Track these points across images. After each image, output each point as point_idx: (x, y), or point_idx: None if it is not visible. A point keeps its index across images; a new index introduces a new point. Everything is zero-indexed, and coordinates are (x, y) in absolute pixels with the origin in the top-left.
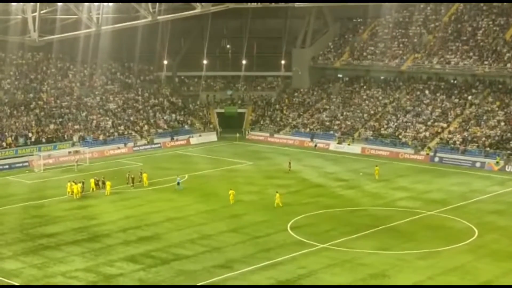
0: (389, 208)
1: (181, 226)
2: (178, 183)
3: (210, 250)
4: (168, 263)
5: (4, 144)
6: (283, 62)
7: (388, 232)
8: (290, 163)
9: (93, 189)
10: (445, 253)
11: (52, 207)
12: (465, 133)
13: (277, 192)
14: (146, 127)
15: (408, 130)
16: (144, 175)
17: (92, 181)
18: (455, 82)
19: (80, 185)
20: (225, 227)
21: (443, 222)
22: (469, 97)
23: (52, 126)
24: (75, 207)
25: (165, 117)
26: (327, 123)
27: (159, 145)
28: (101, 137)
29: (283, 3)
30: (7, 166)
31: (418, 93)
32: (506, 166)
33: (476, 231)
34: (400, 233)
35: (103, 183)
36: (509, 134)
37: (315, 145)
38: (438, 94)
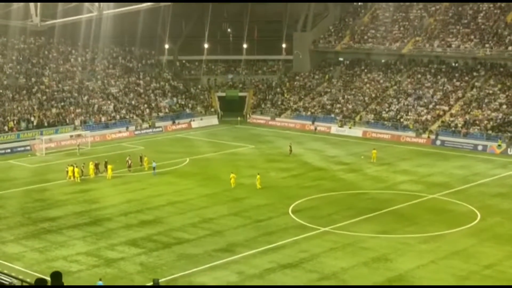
0: (391, 192)
1: (183, 209)
2: (154, 168)
3: (212, 234)
4: (170, 247)
5: (6, 128)
6: (284, 45)
7: (390, 216)
8: (291, 147)
9: (91, 173)
10: (447, 237)
11: (54, 191)
12: (467, 116)
13: (258, 174)
14: (147, 110)
15: (409, 113)
16: (145, 159)
17: (91, 165)
18: (456, 65)
19: (78, 169)
20: (227, 211)
21: (445, 205)
22: (471, 80)
23: (54, 110)
24: (76, 191)
25: (165, 101)
26: (328, 107)
27: (160, 128)
28: (102, 120)
29: None
30: (9, 150)
31: (419, 76)
32: (508, 149)
33: (479, 214)
34: (402, 217)
35: (105, 166)
36: (511, 117)
37: (316, 129)
38: (439, 77)
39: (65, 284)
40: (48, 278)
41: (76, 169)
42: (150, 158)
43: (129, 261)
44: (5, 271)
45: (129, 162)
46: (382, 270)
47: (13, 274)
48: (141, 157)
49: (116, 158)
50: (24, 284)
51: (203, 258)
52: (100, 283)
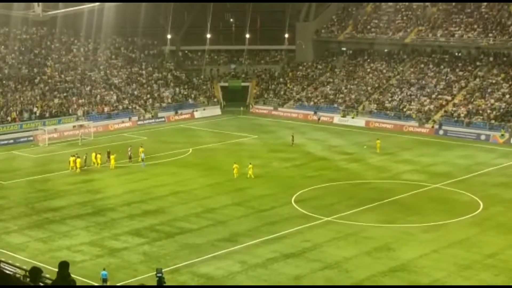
0: (394, 181)
1: (186, 199)
2: (143, 160)
3: (215, 224)
4: (173, 236)
5: (9, 119)
6: (286, 35)
7: (392, 205)
8: (293, 137)
9: (94, 163)
10: (450, 226)
11: (56, 181)
12: (470, 106)
13: (250, 163)
14: (150, 101)
15: (412, 103)
16: (141, 150)
17: (93, 155)
18: (460, 54)
19: (80, 159)
20: (230, 201)
21: (448, 195)
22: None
23: (56, 101)
24: (79, 181)
25: (168, 91)
26: (331, 97)
27: (163, 119)
28: (105, 111)
29: None
30: (12, 141)
31: (422, 66)
32: (511, 139)
33: (481, 204)
34: (405, 206)
35: (108, 156)
36: None
37: (319, 119)
38: (442, 67)
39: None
40: (43, 268)
41: (78, 160)
42: (152, 149)
43: (132, 251)
44: (9, 261)
45: (130, 153)
46: (384, 260)
47: (17, 264)
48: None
49: (118, 148)
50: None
51: (206, 247)
52: (104, 273)
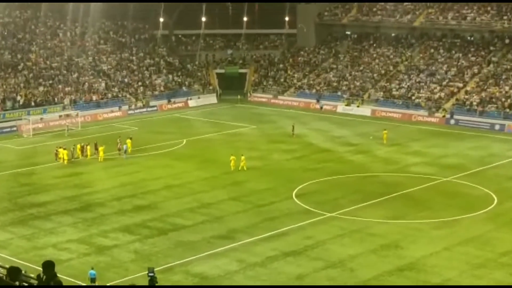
0: (402, 174)
1: (180, 194)
2: (125, 151)
3: (211, 220)
4: (166, 233)
5: None
6: (287, 18)
7: (401, 200)
8: (293, 127)
9: (78, 155)
10: (462, 222)
11: (42, 174)
12: (483, 94)
13: (242, 155)
14: (141, 89)
15: (421, 91)
16: (128, 141)
17: (78, 146)
18: (472, 39)
19: (67, 151)
20: (226, 195)
21: (460, 188)
22: (487, 55)
23: (41, 89)
24: (66, 175)
25: (161, 78)
26: (335, 84)
27: (155, 108)
28: (93, 99)
29: None
30: None
31: (432, 51)
32: None
33: (495, 198)
34: (414, 201)
35: (96, 147)
36: None
37: (321, 107)
38: (453, 52)
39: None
40: (22, 268)
41: (64, 151)
42: (144, 140)
43: (123, 249)
44: None
45: (119, 144)
46: (392, 258)
47: None
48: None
49: (108, 139)
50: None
51: (201, 245)
52: (92, 272)
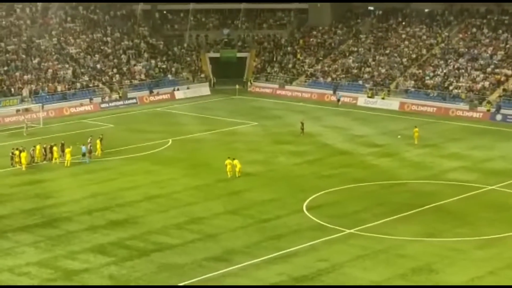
0: (437, 182)
1: (164, 206)
2: (84, 154)
3: (202, 238)
4: (148, 255)
5: None
6: None
7: (435, 214)
8: (303, 124)
9: (39, 159)
10: (510, 241)
11: None
12: None
13: (234, 159)
14: (117, 77)
15: (461, 80)
16: (98, 141)
17: (38, 148)
18: None
19: (26, 153)
20: (222, 208)
21: (507, 199)
22: None
23: None
24: (25, 182)
25: (141, 64)
26: (355, 71)
27: (134, 100)
28: (59, 90)
29: None
30: None
31: (475, 30)
32: None
33: None
34: (452, 215)
35: (62, 149)
36: None
37: (339, 100)
38: (500, 32)
39: None
40: None
41: (23, 154)
42: (120, 140)
43: (95, 274)
44: None
45: (90, 146)
46: (424, 284)
47: None
48: (100, 138)
49: (76, 139)
50: None
51: (191, 269)
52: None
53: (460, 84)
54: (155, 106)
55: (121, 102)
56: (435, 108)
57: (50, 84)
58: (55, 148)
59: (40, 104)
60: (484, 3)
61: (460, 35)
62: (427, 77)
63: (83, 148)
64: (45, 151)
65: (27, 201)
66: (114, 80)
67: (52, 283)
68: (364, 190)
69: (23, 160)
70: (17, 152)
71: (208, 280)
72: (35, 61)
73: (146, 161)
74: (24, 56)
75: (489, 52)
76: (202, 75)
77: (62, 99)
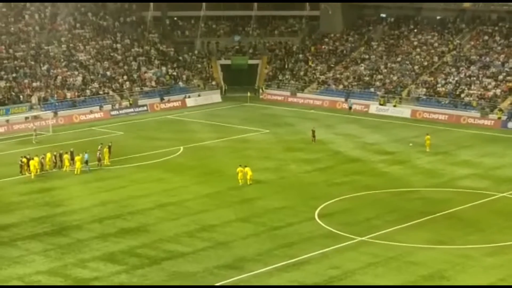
0: (448, 189)
1: (176, 214)
2: (86, 162)
3: (214, 246)
4: (159, 263)
5: None
6: None
7: (446, 221)
8: (314, 132)
9: (49, 167)
10: None
11: (4, 190)
12: None
13: (245, 166)
14: (127, 84)
15: (472, 87)
16: (105, 151)
17: (48, 155)
18: None
19: (37, 160)
20: (233, 216)
21: None
22: None
23: (3, 84)
24: (35, 190)
25: (152, 71)
26: (366, 78)
27: (145, 107)
28: (68, 97)
29: None
30: None
31: (486, 38)
32: None
33: None
34: (463, 222)
35: (72, 157)
36: None
37: (350, 107)
38: None
39: None
40: None
41: (31, 162)
42: (131, 148)
43: (106, 282)
44: None
45: (99, 153)
46: None
47: None
48: (109, 146)
49: (86, 147)
50: None
51: (203, 277)
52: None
53: (471, 91)
54: (166, 114)
55: (131, 110)
56: (446, 116)
57: (59, 91)
58: (65, 156)
59: (53, 111)
60: (496, 10)
61: (472, 43)
62: (439, 85)
63: (86, 155)
64: (55, 158)
65: (36, 209)
66: (124, 87)
67: None
68: (376, 197)
69: (31, 168)
70: (25, 160)
71: None
72: (44, 68)
73: (157, 168)
74: (33, 63)
75: (501, 59)
76: (213, 82)
77: (71, 107)
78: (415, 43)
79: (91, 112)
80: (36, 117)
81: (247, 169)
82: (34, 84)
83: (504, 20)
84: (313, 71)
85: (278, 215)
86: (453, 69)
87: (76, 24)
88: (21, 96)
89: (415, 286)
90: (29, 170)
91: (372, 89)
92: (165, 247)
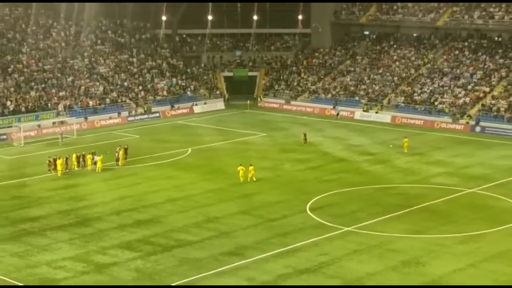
0: (424, 186)
1: (184, 207)
2: (95, 163)
3: (218, 235)
4: (170, 250)
5: None
6: (300, 17)
7: (422, 213)
8: (305, 135)
9: (74, 166)
10: (488, 237)
11: (34, 186)
12: (511, 99)
13: (251, 165)
14: (142, 93)
15: (445, 96)
16: (121, 152)
17: (74, 156)
18: (500, 39)
19: (62, 160)
20: (235, 209)
21: (485, 201)
22: None
23: (33, 93)
24: (61, 187)
25: (163, 82)
26: (352, 88)
27: (157, 114)
28: (90, 105)
29: None
30: None
31: (457, 52)
32: None
33: None
34: (436, 214)
35: (93, 158)
36: None
37: (338, 114)
38: (480, 54)
39: None
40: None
41: (58, 161)
42: (145, 149)
43: (123, 267)
44: None
45: (117, 154)
46: (413, 275)
47: None
48: (119, 149)
49: (106, 148)
50: None
51: (208, 262)
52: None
53: (444, 100)
54: (176, 119)
55: (146, 116)
56: (422, 121)
57: (82, 100)
58: (88, 156)
59: (74, 118)
60: (465, 28)
61: (444, 57)
62: (415, 94)
63: (95, 157)
64: (79, 159)
65: (63, 203)
66: (139, 96)
67: (85, 276)
68: (360, 193)
69: (58, 167)
70: (51, 160)
71: (223, 272)
72: (69, 79)
73: (168, 167)
74: (59, 75)
75: (470, 71)
76: (218, 92)
77: (93, 113)
78: (395, 57)
79: (110, 118)
80: (62, 122)
81: (251, 167)
82: (61, 94)
83: (472, 37)
84: (305, 82)
85: (274, 208)
86: (428, 80)
87: (97, 41)
88: (49, 104)
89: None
90: (56, 168)
91: (356, 98)
92: (175, 236)
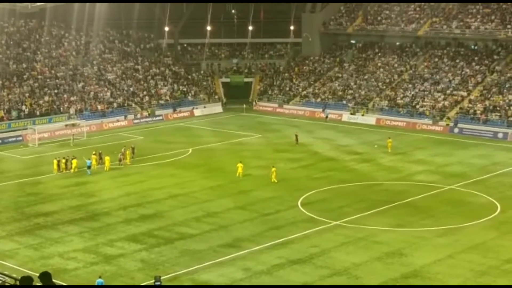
0: (406, 183)
1: (185, 203)
2: (89, 167)
3: (217, 229)
4: (172, 242)
5: None
6: (292, 28)
7: (405, 208)
8: (297, 136)
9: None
10: (465, 230)
11: (48, 184)
12: (487, 102)
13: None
14: (146, 98)
15: (425, 100)
16: (127, 152)
17: (94, 157)
18: (476, 48)
19: (75, 160)
20: (232, 204)
21: (463, 197)
22: (491, 64)
23: (46, 98)
24: (72, 184)
25: (166, 87)
26: (340, 93)
27: (160, 117)
28: (99, 109)
29: None
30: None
31: (436, 59)
32: None
33: (499, 206)
34: (418, 209)
35: (101, 157)
36: None
37: (327, 116)
38: (457, 61)
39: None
40: (34, 277)
41: (73, 161)
42: (149, 149)
43: (129, 258)
44: None
45: (121, 155)
46: (396, 266)
47: (6, 273)
48: (124, 149)
49: (114, 149)
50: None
51: (208, 254)
52: (100, 281)
53: (425, 103)
54: (178, 122)
55: (150, 119)
56: (404, 123)
57: (92, 104)
58: (107, 158)
59: (84, 120)
60: (444, 37)
61: (425, 63)
62: (398, 98)
63: (88, 162)
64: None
65: (73, 199)
66: (144, 100)
67: (94, 266)
68: (347, 189)
69: (73, 165)
70: (63, 160)
71: (221, 263)
72: (80, 85)
73: (170, 166)
74: (70, 81)
75: (448, 77)
76: (216, 96)
77: (102, 116)
78: (379, 64)
79: (118, 120)
80: (73, 125)
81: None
82: (72, 98)
83: (450, 45)
84: (297, 87)
85: (269, 204)
86: (410, 85)
87: (106, 50)
88: (61, 108)
89: (379, 261)
90: (66, 168)
91: (344, 102)
92: (177, 229)
